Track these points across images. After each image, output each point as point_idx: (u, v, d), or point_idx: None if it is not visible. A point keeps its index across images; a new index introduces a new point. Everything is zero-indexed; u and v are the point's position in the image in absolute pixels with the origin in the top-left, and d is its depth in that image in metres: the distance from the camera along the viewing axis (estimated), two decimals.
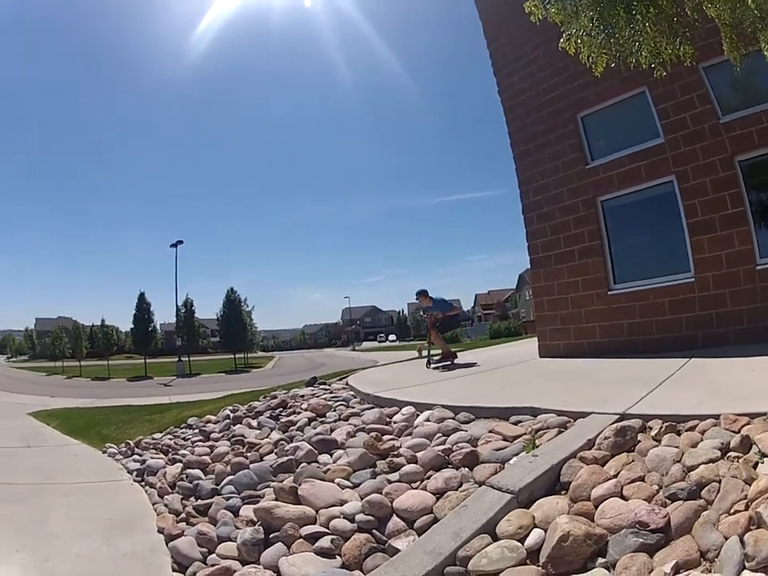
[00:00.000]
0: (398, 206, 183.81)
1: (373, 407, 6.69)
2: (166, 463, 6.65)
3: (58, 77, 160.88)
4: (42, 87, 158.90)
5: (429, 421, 5.39)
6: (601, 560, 2.55)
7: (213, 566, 3.68)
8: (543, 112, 10.84)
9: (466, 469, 4.01)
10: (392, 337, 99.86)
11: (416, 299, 11.13)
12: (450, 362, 10.25)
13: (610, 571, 2.46)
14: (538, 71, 10.91)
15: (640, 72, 5.81)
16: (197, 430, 8.01)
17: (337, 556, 3.45)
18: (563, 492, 3.24)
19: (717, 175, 8.36)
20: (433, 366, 10.23)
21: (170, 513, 5.01)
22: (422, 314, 11.94)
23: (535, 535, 2.80)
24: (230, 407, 8.97)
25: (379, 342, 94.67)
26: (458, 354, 11.13)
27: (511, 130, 11.53)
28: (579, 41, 5.37)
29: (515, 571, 2.59)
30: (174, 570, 3.89)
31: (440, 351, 10.75)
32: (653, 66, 5.35)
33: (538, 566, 2.61)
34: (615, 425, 3.88)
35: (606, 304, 9.43)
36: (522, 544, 2.77)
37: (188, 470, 5.95)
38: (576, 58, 5.61)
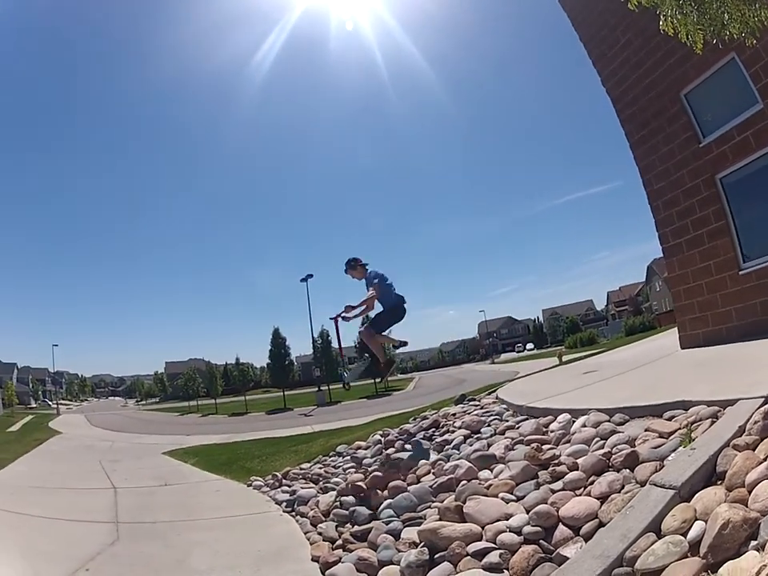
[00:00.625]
0: (517, 217, 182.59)
1: (527, 418, 6.97)
2: (318, 492, 7.30)
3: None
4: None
5: (585, 426, 5.62)
6: (753, 543, 2.75)
7: None
8: (648, 96, 11.27)
9: (627, 470, 4.23)
10: (530, 345, 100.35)
11: (345, 272, 8.76)
12: (381, 378, 9.09)
13: (760, 552, 2.65)
14: (634, 54, 11.35)
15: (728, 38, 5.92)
16: (347, 457, 8.65)
17: (504, 570, 3.78)
18: (719, 482, 3.42)
19: None
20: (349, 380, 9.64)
21: (324, 541, 5.54)
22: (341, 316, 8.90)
23: (697, 527, 3.02)
24: (380, 431, 9.57)
25: (517, 352, 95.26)
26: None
27: (623, 120, 12.11)
28: (675, 20, 5.65)
29: (679, 565, 2.83)
30: None
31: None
32: (743, 35, 5.56)
33: (699, 556, 2.84)
34: (762, 408, 4.02)
35: (739, 285, 9.56)
36: (685, 537, 3.00)
37: (342, 497, 6.49)
38: (666, 36, 5.94)
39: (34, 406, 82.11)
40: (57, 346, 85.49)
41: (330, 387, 50.07)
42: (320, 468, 8.70)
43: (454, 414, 8.90)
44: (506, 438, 6.44)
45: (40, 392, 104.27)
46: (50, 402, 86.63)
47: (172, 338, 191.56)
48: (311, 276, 49.49)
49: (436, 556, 4.22)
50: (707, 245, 10.06)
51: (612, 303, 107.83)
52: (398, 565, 4.34)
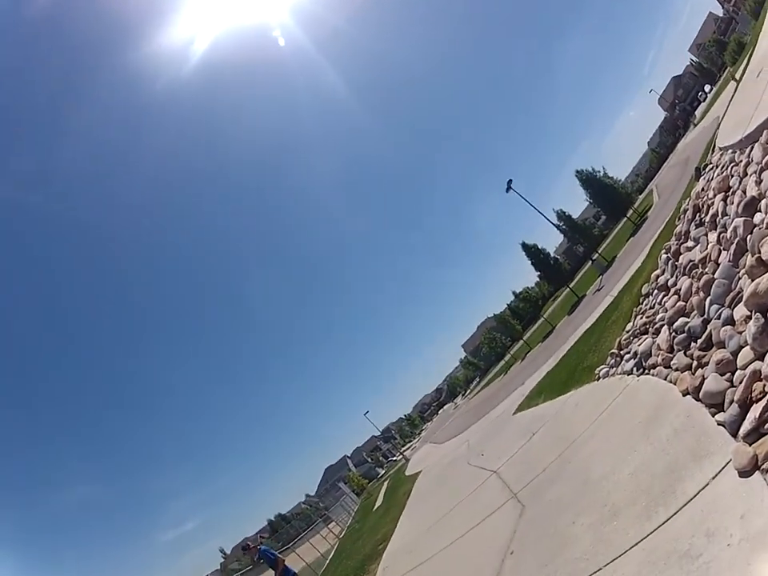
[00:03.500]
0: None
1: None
2: (652, 337, 7.31)
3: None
4: None
5: None
6: None
7: None
8: None
9: None
10: None
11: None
12: None
13: None
14: None
15: None
16: (655, 291, 8.69)
17: None
18: None
19: None
20: None
21: (682, 372, 5.62)
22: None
23: None
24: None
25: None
26: None
27: None
28: None
29: None
30: None
31: None
32: None
33: None
34: None
35: None
36: None
37: (673, 324, 6.48)
38: None
39: (383, 471, 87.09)
40: (368, 412, 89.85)
41: None
42: (641, 319, 8.55)
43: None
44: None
45: (381, 457, 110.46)
46: (395, 459, 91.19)
47: None
48: None
49: None
50: None
51: None
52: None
